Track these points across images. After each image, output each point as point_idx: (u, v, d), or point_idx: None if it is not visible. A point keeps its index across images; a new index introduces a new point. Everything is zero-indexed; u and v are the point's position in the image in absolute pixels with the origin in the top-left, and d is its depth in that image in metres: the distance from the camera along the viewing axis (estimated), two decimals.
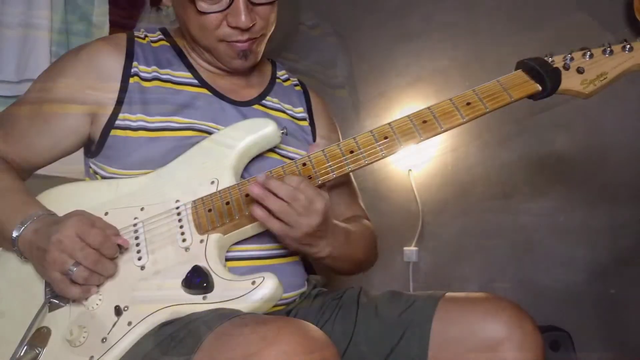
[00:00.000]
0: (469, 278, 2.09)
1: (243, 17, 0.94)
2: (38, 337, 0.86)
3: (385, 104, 2.26)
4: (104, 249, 0.84)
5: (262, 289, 0.83)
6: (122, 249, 0.88)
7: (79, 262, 0.82)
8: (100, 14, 1.81)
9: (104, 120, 0.98)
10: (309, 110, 1.16)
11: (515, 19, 2.04)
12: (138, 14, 1.98)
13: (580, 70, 0.95)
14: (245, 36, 0.98)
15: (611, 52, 0.97)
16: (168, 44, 1.07)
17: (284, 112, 1.11)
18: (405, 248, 2.19)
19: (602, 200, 1.90)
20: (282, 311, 1.02)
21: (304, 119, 1.14)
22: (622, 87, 1.83)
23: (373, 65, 2.31)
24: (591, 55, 0.97)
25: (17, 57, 1.65)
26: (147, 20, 1.98)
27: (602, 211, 1.90)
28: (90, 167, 1.04)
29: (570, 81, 0.95)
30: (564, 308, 1.92)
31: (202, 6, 0.94)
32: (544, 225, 1.98)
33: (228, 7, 0.95)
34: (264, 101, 1.10)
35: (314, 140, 1.14)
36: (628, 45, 0.97)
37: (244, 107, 1.06)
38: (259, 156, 1.01)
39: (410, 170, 2.20)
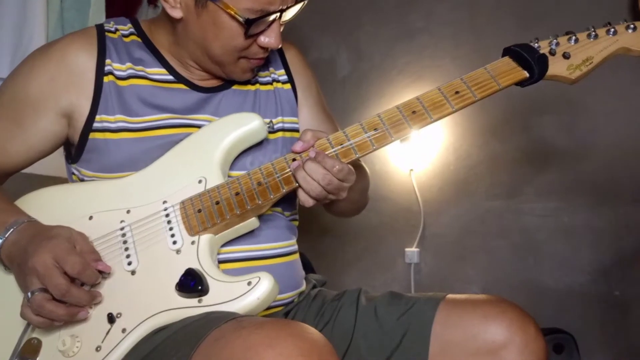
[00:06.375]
0: (471, 279, 2.08)
1: (278, 39, 0.97)
2: (28, 349, 0.85)
3: (386, 102, 2.25)
4: (84, 277, 0.83)
5: (258, 290, 0.83)
6: (103, 273, 0.87)
7: (50, 291, 0.81)
8: (97, 11, 1.81)
9: (80, 122, 0.97)
10: (286, 67, 1.15)
11: (518, 16, 2.03)
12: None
13: (566, 56, 0.95)
14: (267, 53, 1.01)
15: (596, 36, 0.95)
16: (139, 40, 1.04)
17: (257, 83, 1.10)
18: (406, 249, 2.18)
19: (606, 200, 1.89)
20: (280, 312, 1.02)
21: (286, 82, 1.13)
22: (628, 86, 1.84)
23: (373, 63, 2.30)
24: (576, 40, 0.96)
25: (12, 54, 1.65)
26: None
27: (606, 211, 1.89)
28: (73, 173, 1.02)
29: (556, 67, 0.95)
30: (567, 310, 1.91)
31: (254, 30, 0.94)
32: (547, 226, 1.97)
33: (267, 28, 0.96)
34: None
35: (296, 97, 1.13)
36: (612, 29, 0.95)
37: (222, 91, 1.05)
38: None
39: (411, 170, 2.19)
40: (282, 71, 1.13)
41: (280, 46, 0.98)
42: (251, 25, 0.92)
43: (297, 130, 1.10)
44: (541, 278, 1.96)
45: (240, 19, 0.91)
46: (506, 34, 2.02)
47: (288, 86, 1.12)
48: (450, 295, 0.95)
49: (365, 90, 2.30)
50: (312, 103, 1.16)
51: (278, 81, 1.12)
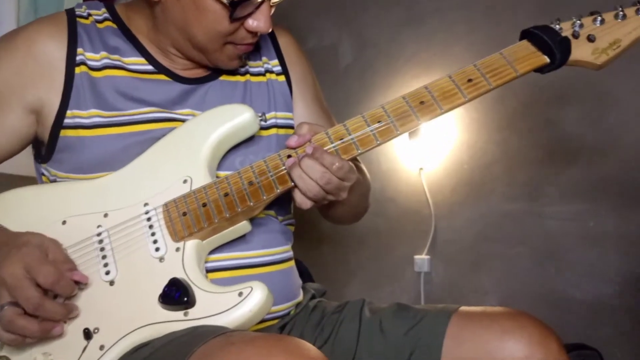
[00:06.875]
0: (487, 290, 2.07)
1: (268, 22, 0.96)
2: None
3: (393, 94, 2.24)
4: (58, 288, 0.83)
5: (250, 301, 0.83)
6: (79, 284, 0.87)
7: (21, 304, 0.80)
8: None
9: (50, 119, 0.97)
10: (280, 56, 1.15)
11: None
12: None
13: (591, 39, 0.94)
14: (256, 38, 1.00)
15: (624, 16, 0.95)
16: (115, 26, 1.04)
17: (247, 73, 1.09)
18: (416, 257, 2.18)
19: (637, 202, 1.88)
20: (275, 326, 1.02)
21: (280, 73, 1.13)
22: None
23: (379, 50, 2.30)
24: (602, 21, 0.95)
25: None
26: None
27: (637, 215, 1.88)
28: (43, 174, 1.02)
29: (580, 51, 0.95)
30: (593, 324, 1.90)
31: (240, 13, 0.93)
32: (571, 231, 1.96)
33: (255, 10, 0.95)
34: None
35: (291, 91, 1.13)
36: None
37: (209, 82, 1.05)
38: None
39: (421, 169, 2.19)
40: (276, 61, 1.13)
41: (270, 30, 0.97)
42: (237, 8, 0.92)
43: (291, 127, 1.10)
44: (564, 289, 1.95)
45: (225, 1, 0.91)
46: (527, 18, 2.01)
47: (282, 78, 1.12)
48: (463, 308, 0.95)
49: (370, 80, 2.30)
50: (308, 97, 1.16)
51: (271, 72, 1.12)
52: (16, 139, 1.00)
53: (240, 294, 0.83)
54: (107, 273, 0.89)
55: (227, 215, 0.90)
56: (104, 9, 1.06)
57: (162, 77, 1.02)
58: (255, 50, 1.11)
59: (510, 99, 2.02)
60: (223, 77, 1.07)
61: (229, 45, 0.99)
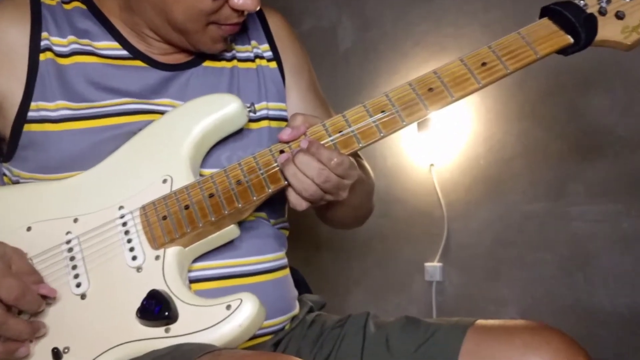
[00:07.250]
0: (507, 301, 2.08)
1: (256, 0, 0.96)
2: None
3: (399, 81, 2.24)
4: (23, 303, 0.83)
5: (239, 315, 0.83)
6: (47, 299, 0.87)
7: None
8: None
9: (12, 112, 0.97)
10: (271, 40, 1.15)
11: None
12: None
13: (619, 15, 0.95)
14: (242, 18, 1.00)
15: None
16: (84, 7, 1.04)
17: (234, 59, 1.10)
18: (426, 264, 2.19)
19: None
20: (268, 342, 1.02)
21: (271, 59, 1.13)
22: None
23: (383, 32, 2.30)
24: None
25: None
26: None
27: None
28: (4, 175, 1.03)
29: (608, 30, 0.95)
30: (627, 338, 1.91)
31: None
32: (602, 234, 1.96)
33: None
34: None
35: (284, 79, 1.13)
36: None
37: (191, 69, 1.05)
38: None
39: (432, 165, 2.19)
40: (267, 46, 1.14)
41: (258, 8, 0.97)
42: None
43: (285, 119, 1.10)
44: (594, 299, 1.96)
45: None
46: None
47: (274, 64, 1.13)
48: (480, 321, 0.95)
49: (373, 66, 2.30)
50: (303, 86, 1.17)
51: (262, 58, 1.12)
52: None
53: (228, 307, 0.83)
54: (78, 285, 0.89)
55: (213, 218, 0.90)
56: None
57: (138, 63, 1.03)
58: (242, 33, 1.11)
59: (531, 85, 2.02)
60: (207, 63, 1.07)
61: (212, 26, 0.99)
